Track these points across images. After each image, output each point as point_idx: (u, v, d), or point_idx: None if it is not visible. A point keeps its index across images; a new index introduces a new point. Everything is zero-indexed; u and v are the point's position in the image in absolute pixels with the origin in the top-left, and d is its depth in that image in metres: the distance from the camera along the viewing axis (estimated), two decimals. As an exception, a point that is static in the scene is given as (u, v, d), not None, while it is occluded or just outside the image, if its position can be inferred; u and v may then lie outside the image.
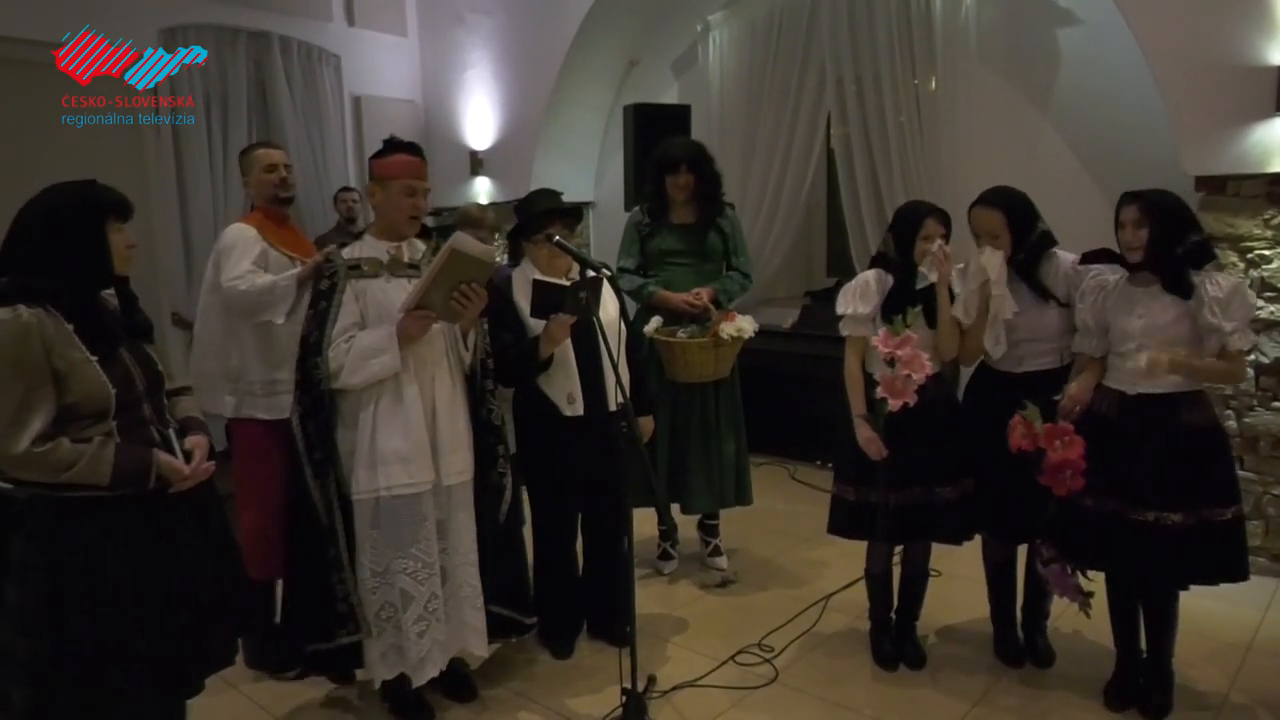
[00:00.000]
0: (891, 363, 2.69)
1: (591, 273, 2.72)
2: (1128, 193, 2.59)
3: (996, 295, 2.72)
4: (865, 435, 2.83)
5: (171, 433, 2.09)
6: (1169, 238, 2.51)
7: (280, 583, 2.83)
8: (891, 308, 2.79)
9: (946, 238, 2.81)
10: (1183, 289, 2.50)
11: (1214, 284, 2.47)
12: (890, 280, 2.84)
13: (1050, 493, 2.62)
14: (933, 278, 2.76)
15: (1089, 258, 2.74)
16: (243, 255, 2.90)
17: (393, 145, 2.66)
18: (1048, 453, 2.57)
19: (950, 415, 2.89)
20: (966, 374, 3.08)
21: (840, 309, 2.91)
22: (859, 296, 2.86)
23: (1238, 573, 2.55)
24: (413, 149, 2.67)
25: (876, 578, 3.05)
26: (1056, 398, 2.69)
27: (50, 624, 1.87)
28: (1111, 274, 2.66)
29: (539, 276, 2.80)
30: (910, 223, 2.83)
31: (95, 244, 1.95)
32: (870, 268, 2.94)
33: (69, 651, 1.88)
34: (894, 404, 2.69)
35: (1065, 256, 2.79)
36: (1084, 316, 2.69)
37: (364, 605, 2.60)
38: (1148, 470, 2.53)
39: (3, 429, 1.83)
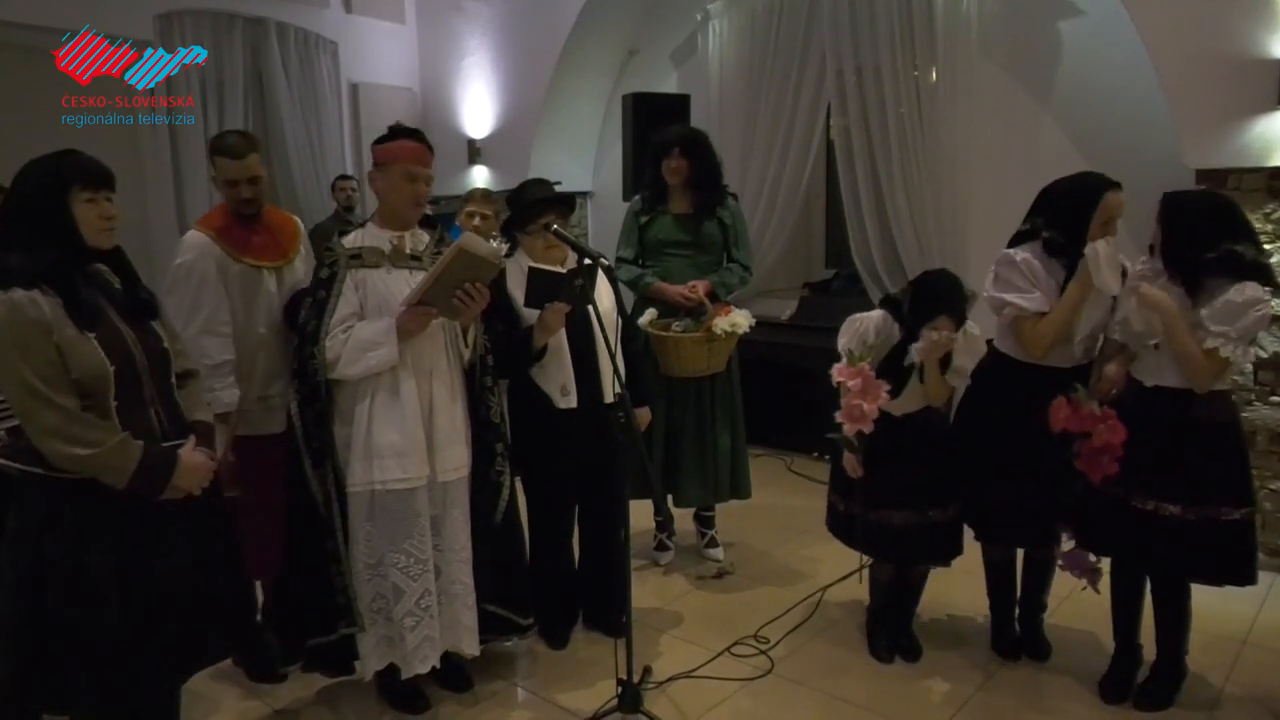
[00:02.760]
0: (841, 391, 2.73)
1: (588, 260, 2.70)
2: (1162, 198, 2.57)
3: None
4: (847, 457, 2.85)
5: (176, 411, 2.08)
6: (1184, 241, 2.47)
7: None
8: (887, 361, 2.78)
9: (958, 324, 2.69)
10: (1193, 293, 2.46)
11: (1238, 290, 2.40)
12: (896, 331, 2.78)
13: (1071, 480, 2.63)
14: (917, 359, 2.71)
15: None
16: (197, 298, 2.66)
17: (395, 131, 2.63)
18: (1091, 436, 2.56)
19: (940, 437, 2.89)
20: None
21: (839, 342, 2.86)
22: (856, 339, 2.82)
23: (1243, 576, 2.53)
24: (415, 134, 2.63)
25: (880, 584, 3.08)
26: (1090, 380, 2.69)
27: (32, 599, 1.89)
28: (1147, 267, 2.63)
29: (535, 264, 2.78)
30: (927, 299, 2.72)
31: (59, 215, 1.90)
32: (880, 306, 2.88)
33: (47, 628, 1.89)
34: (849, 429, 2.73)
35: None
36: (1123, 308, 2.65)
37: (358, 599, 2.60)
38: (1154, 461, 2.52)
39: (30, 404, 1.83)
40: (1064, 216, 2.69)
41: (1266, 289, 2.41)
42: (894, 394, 2.75)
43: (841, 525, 2.99)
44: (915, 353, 2.71)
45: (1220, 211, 2.51)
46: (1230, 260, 2.43)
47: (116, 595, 1.92)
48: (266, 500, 2.65)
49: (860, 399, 2.69)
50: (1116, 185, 2.66)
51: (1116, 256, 2.61)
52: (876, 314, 2.85)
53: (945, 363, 2.74)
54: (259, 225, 2.85)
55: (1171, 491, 2.51)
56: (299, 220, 3.09)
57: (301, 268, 2.92)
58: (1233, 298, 2.40)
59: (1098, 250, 2.57)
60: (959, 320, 2.69)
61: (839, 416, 2.75)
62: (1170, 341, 2.48)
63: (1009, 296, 2.72)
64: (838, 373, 2.74)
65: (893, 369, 2.77)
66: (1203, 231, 2.47)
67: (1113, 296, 2.66)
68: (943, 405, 2.92)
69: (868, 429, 2.72)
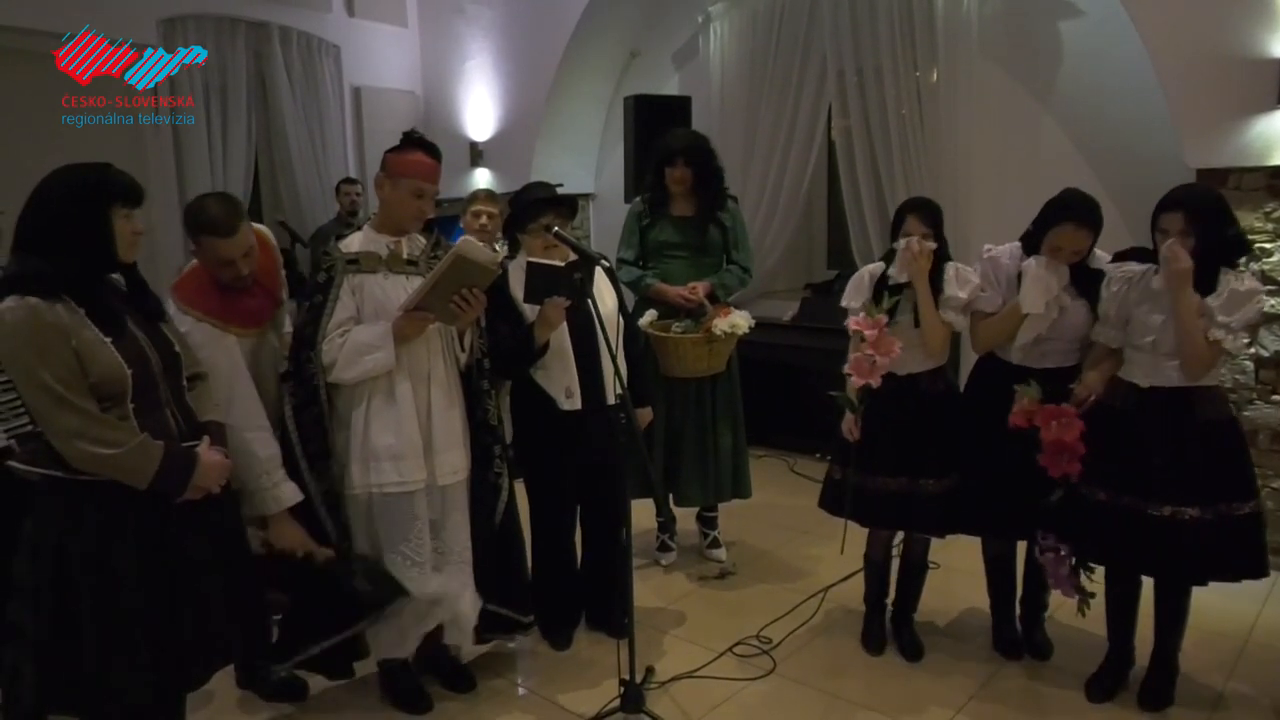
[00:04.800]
0: (856, 340, 2.76)
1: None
2: (1170, 199, 2.50)
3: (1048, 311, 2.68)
4: (846, 418, 2.88)
5: (189, 413, 2.10)
6: (1212, 240, 2.45)
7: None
8: (875, 299, 2.83)
9: (936, 235, 2.78)
10: (1209, 285, 2.45)
11: (1239, 280, 2.43)
12: (881, 272, 2.88)
13: (1053, 483, 2.63)
14: (900, 277, 2.76)
15: (1120, 257, 2.69)
16: (229, 395, 2.40)
17: (412, 142, 2.61)
18: (1042, 432, 2.58)
19: (947, 410, 2.90)
20: (966, 365, 3.09)
21: (843, 302, 2.97)
22: (853, 290, 2.92)
23: (1257, 569, 2.53)
24: (431, 150, 2.62)
25: (875, 564, 3.08)
26: (1072, 385, 2.69)
27: (54, 605, 1.90)
28: (1139, 265, 2.61)
29: (534, 259, 2.79)
30: (896, 216, 2.87)
31: (99, 229, 1.92)
32: (878, 261, 2.99)
33: (70, 633, 1.90)
34: (856, 382, 2.76)
35: (1101, 255, 2.75)
36: (1106, 307, 2.64)
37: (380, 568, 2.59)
38: (1163, 464, 2.51)
39: (51, 407, 1.84)
40: (1035, 222, 2.75)
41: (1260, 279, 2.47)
42: (889, 323, 2.78)
43: (834, 495, 2.99)
44: (897, 267, 2.76)
45: (1221, 196, 2.56)
46: (1240, 239, 2.49)
47: (141, 597, 1.93)
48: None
49: (874, 349, 2.72)
50: (1080, 221, 2.63)
51: (1047, 279, 2.64)
52: (874, 264, 2.95)
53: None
54: (246, 293, 2.58)
55: (1187, 494, 2.49)
56: (267, 233, 2.76)
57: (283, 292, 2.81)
58: (1236, 287, 2.42)
59: (1029, 267, 2.68)
60: (932, 224, 2.79)
61: (847, 368, 2.78)
62: (1177, 320, 2.44)
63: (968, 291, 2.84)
64: (854, 322, 2.78)
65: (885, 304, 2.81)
66: (1224, 217, 2.49)
67: (1083, 308, 2.71)
68: (945, 361, 2.93)
69: (876, 383, 2.74)
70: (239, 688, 2.88)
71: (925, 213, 2.81)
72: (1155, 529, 2.52)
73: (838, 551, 2.96)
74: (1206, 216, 2.45)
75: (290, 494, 2.46)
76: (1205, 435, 2.51)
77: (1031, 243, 2.75)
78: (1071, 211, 2.65)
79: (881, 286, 2.83)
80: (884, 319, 2.73)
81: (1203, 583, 2.58)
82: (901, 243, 2.74)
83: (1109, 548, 2.64)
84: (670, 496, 3.70)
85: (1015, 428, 2.64)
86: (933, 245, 2.75)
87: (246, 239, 2.47)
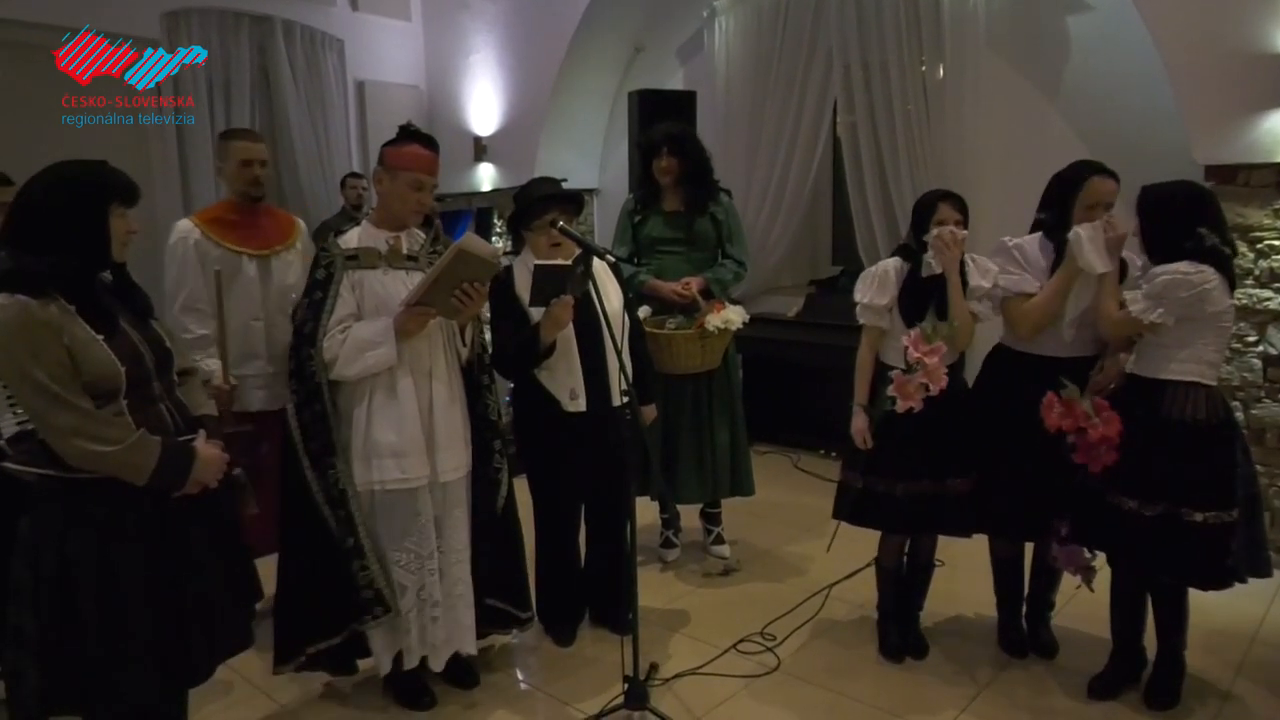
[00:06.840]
0: (911, 368, 2.70)
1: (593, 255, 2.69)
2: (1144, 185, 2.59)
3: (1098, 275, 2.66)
4: (858, 425, 2.85)
5: (182, 408, 2.10)
6: (1162, 230, 2.50)
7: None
8: (905, 298, 2.79)
9: (963, 224, 2.77)
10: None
11: (1176, 264, 2.44)
12: (907, 269, 2.83)
13: (1071, 473, 2.62)
14: (937, 267, 2.73)
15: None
16: (180, 278, 3.01)
17: (408, 134, 2.60)
18: (1087, 431, 2.53)
19: (963, 407, 2.87)
20: (973, 359, 3.07)
21: (857, 296, 2.90)
22: (876, 285, 2.85)
23: (1208, 580, 2.48)
24: (428, 142, 2.61)
25: (889, 571, 3.04)
26: (1092, 372, 2.68)
27: (56, 605, 1.88)
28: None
29: (540, 262, 2.77)
30: (923, 207, 2.82)
31: (96, 227, 1.92)
32: (892, 256, 2.93)
33: (74, 633, 1.89)
34: (901, 406, 2.72)
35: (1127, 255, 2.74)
36: (1125, 295, 2.64)
37: (390, 582, 2.59)
38: (1123, 454, 2.51)
39: (46, 406, 1.83)
40: (1053, 201, 2.77)
41: (1204, 269, 2.41)
42: (916, 320, 2.74)
43: (854, 504, 2.92)
44: (934, 255, 2.72)
45: (1191, 199, 2.52)
46: (1200, 245, 2.46)
47: (144, 594, 1.92)
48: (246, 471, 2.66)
49: (926, 378, 2.68)
50: (1105, 172, 2.69)
51: (1101, 239, 2.63)
52: (891, 259, 2.90)
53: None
54: (253, 215, 3.11)
55: (1132, 486, 2.50)
56: (301, 224, 3.30)
57: (299, 263, 3.13)
58: (1167, 266, 2.45)
59: (1080, 234, 2.63)
60: (960, 210, 2.78)
61: (892, 390, 2.73)
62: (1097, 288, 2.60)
63: (999, 279, 2.80)
64: (913, 345, 2.70)
65: (912, 300, 2.78)
66: (1178, 220, 2.49)
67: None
68: (957, 358, 2.90)
69: (918, 407, 2.71)
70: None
71: (956, 200, 2.80)
72: (1109, 514, 2.55)
73: (841, 548, 2.95)
74: (1154, 215, 2.54)
75: (209, 367, 2.81)
76: (1168, 433, 2.47)
77: (1051, 226, 2.75)
78: (1090, 166, 2.72)
79: (926, 293, 2.76)
80: (943, 346, 2.68)
81: (1149, 576, 2.59)
82: (935, 231, 2.71)
83: (1083, 529, 2.67)
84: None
85: (1057, 430, 2.59)
86: (965, 233, 2.74)
87: (264, 152, 3.11)
